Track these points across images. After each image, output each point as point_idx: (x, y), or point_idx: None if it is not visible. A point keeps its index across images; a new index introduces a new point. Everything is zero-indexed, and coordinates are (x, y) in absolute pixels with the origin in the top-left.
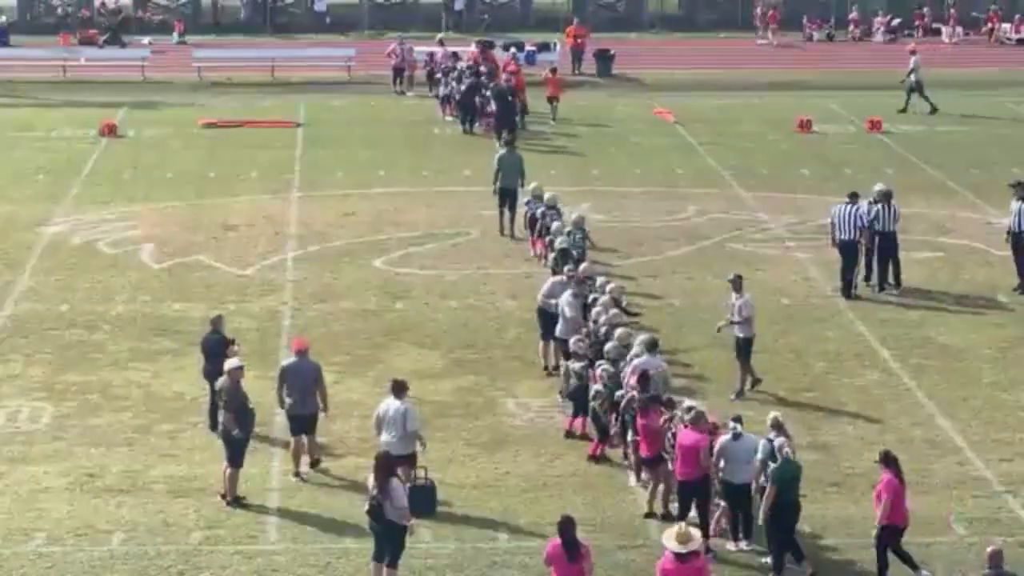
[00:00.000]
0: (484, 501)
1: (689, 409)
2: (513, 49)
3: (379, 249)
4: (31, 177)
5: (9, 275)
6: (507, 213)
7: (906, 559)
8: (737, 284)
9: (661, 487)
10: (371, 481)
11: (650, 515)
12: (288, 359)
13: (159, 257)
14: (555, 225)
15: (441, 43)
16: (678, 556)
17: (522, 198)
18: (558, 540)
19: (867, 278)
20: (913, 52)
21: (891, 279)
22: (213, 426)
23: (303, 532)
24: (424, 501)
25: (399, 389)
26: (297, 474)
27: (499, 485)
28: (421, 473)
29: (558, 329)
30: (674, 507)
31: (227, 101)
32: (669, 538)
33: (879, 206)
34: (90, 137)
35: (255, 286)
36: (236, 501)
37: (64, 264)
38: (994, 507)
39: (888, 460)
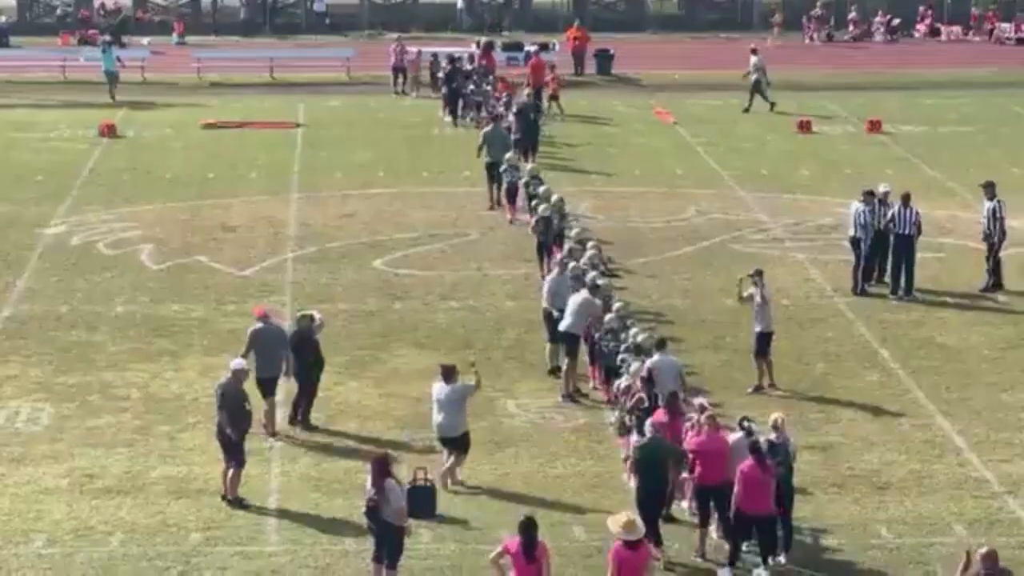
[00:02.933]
0: (484, 502)
1: (702, 409)
2: (537, 48)
3: (378, 250)
4: (31, 178)
5: (9, 276)
6: (495, 186)
7: (735, 550)
8: (757, 278)
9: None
10: (368, 482)
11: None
12: (256, 324)
13: (158, 258)
14: (555, 198)
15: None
16: (627, 544)
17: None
18: (518, 539)
19: (879, 279)
20: (754, 51)
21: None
22: (295, 417)
23: (303, 533)
24: (424, 502)
25: (448, 373)
26: (274, 434)
27: (499, 486)
28: (421, 474)
29: (563, 324)
30: (676, 510)
31: (227, 102)
32: (615, 524)
33: (896, 207)
34: (90, 138)
35: (254, 287)
36: (237, 502)
37: (64, 265)
38: (994, 508)
39: (752, 448)
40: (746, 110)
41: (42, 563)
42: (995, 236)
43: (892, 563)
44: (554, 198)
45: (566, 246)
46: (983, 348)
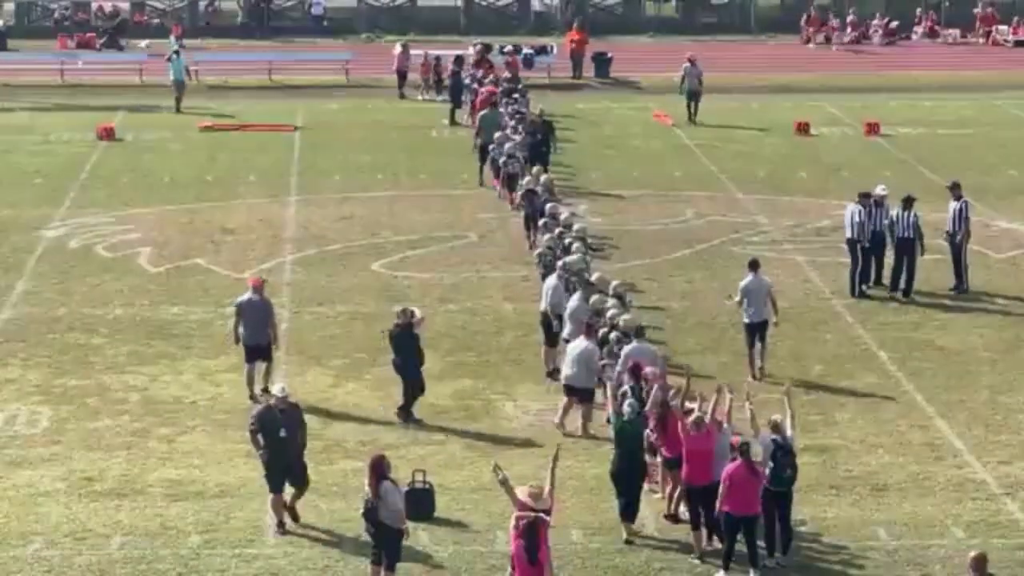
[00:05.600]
0: (482, 504)
1: (688, 412)
2: (511, 49)
3: (377, 252)
4: (29, 181)
5: (7, 279)
6: (483, 166)
7: (729, 553)
8: (752, 266)
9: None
10: (365, 484)
11: (671, 517)
12: (244, 295)
13: (157, 261)
14: (544, 177)
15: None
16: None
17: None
18: (521, 543)
19: (877, 281)
20: (691, 61)
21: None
22: (406, 414)
23: (301, 535)
24: (423, 504)
25: (588, 330)
26: (252, 396)
27: (497, 488)
28: (420, 476)
29: (565, 332)
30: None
31: (225, 104)
32: (523, 494)
33: (896, 210)
34: (88, 141)
35: None
36: (282, 527)
37: (62, 268)
38: (993, 510)
39: (740, 450)
40: (693, 120)
41: (40, 566)
42: (960, 236)
43: (890, 565)
44: (544, 178)
45: (541, 221)
46: (981, 350)
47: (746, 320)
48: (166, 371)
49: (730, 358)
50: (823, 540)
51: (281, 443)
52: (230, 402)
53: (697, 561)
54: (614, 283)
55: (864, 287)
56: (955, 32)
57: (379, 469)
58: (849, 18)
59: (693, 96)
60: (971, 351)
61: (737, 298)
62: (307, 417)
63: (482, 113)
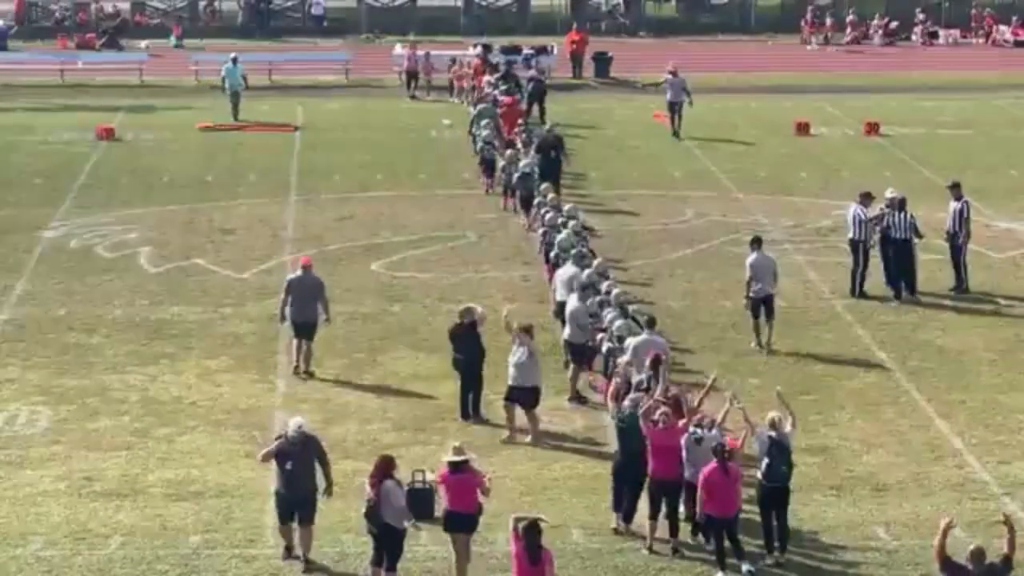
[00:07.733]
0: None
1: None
2: (481, 50)
3: (376, 252)
4: (29, 181)
5: (7, 279)
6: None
7: (720, 554)
8: (754, 244)
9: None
10: (367, 483)
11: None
12: (294, 273)
13: (157, 261)
14: (537, 157)
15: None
16: (452, 466)
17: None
18: (522, 544)
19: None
20: (672, 72)
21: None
22: (465, 414)
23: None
24: (422, 505)
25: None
26: (297, 370)
27: (496, 488)
28: (420, 476)
29: (566, 332)
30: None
31: (224, 104)
32: (448, 453)
33: (891, 213)
34: (88, 141)
35: (252, 290)
36: (288, 552)
37: (62, 268)
38: (992, 509)
39: (715, 452)
40: (676, 134)
41: (40, 566)
42: (960, 237)
43: (890, 564)
44: (536, 157)
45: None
46: (981, 350)
47: (751, 295)
48: (166, 371)
49: (730, 358)
50: (823, 540)
51: (289, 476)
52: (230, 402)
53: (647, 552)
54: (596, 261)
55: (859, 289)
56: (955, 32)
57: (383, 469)
58: (849, 18)
59: (675, 108)
60: (971, 351)
61: (748, 277)
62: (307, 417)
63: (481, 107)
